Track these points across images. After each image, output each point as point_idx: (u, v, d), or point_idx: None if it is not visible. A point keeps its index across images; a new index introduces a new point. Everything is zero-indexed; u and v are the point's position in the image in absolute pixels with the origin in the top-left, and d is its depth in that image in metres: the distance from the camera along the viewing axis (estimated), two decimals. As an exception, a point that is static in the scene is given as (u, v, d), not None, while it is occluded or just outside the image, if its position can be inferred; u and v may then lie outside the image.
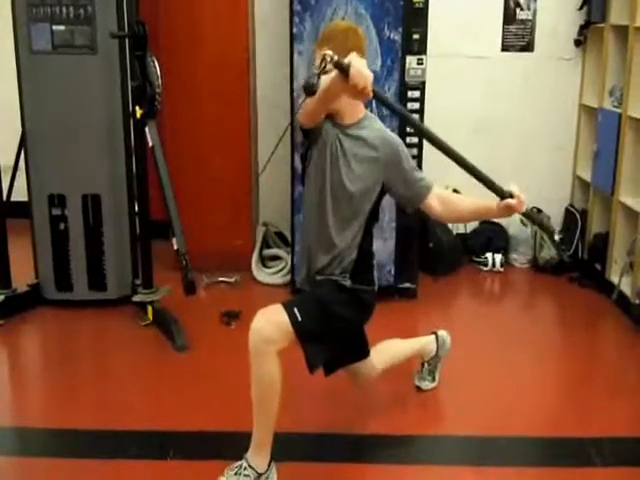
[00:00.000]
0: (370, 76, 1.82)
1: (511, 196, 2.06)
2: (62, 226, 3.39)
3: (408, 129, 3.47)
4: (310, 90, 1.75)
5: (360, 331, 2.38)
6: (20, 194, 3.50)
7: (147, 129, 3.07)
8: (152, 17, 3.48)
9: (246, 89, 3.84)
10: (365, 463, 2.36)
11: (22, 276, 3.50)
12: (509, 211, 2.10)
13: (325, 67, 1.75)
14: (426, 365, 2.75)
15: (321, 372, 2.28)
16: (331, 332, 2.17)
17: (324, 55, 1.77)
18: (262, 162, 4.10)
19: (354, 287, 2.22)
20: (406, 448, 2.46)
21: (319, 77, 1.76)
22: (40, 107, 3.29)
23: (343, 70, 1.78)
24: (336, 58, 1.77)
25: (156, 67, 3.07)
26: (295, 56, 3.42)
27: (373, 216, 2.25)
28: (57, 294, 3.46)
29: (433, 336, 2.74)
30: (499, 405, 2.70)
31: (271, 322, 2.05)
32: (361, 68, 1.81)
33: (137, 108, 3.13)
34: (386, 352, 2.54)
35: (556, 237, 2.02)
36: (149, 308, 3.30)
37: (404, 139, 3.42)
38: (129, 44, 3.22)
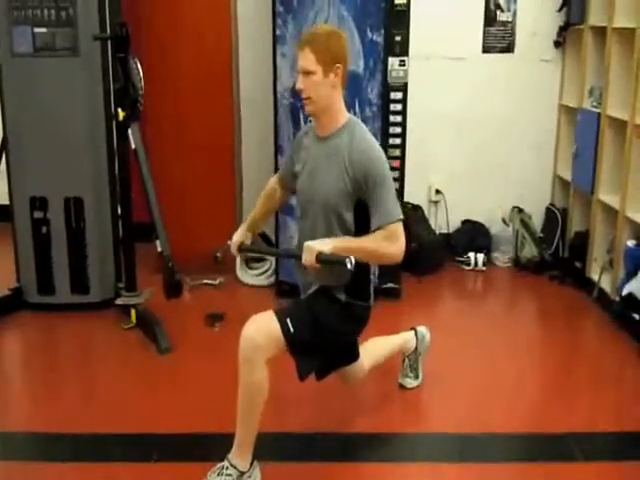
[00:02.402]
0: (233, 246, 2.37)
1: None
2: (44, 229, 3.36)
3: (391, 130, 3.51)
4: (216, 262, 2.52)
5: (353, 340, 2.39)
6: (1, 197, 3.47)
7: (130, 131, 3.06)
8: (134, 19, 3.47)
9: (229, 91, 3.84)
10: (349, 462, 2.37)
11: (3, 280, 3.48)
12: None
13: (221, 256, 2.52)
14: (407, 361, 2.78)
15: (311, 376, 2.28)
16: (323, 343, 2.18)
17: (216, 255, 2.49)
18: (245, 163, 4.10)
19: (349, 301, 2.20)
20: (390, 446, 2.48)
21: (222, 255, 2.50)
22: (21, 110, 3.27)
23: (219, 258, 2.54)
24: (219, 254, 2.50)
25: (138, 69, 3.07)
26: (278, 58, 3.43)
27: (363, 232, 2.16)
28: (39, 298, 3.44)
29: (412, 332, 2.77)
30: (482, 402, 2.72)
31: (263, 330, 2.05)
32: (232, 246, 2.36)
33: (119, 110, 3.12)
34: (371, 350, 2.56)
35: (348, 266, 1.96)
36: (132, 311, 3.28)
37: (386, 140, 3.46)
38: (111, 46, 3.21)
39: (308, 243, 2.04)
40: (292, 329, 2.05)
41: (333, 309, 2.18)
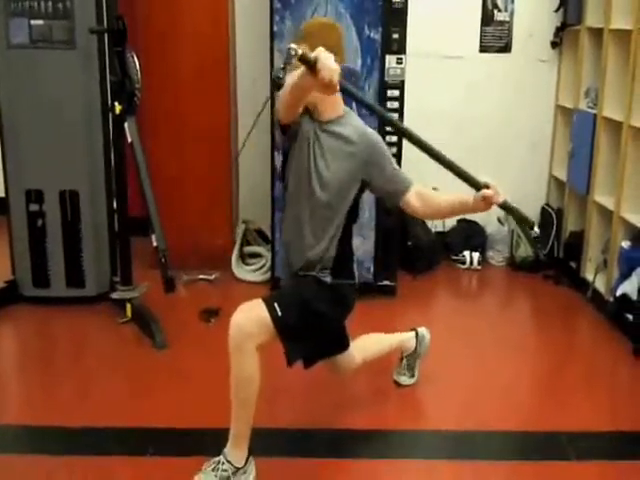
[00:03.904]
0: (337, 69, 1.81)
1: (487, 187, 2.05)
2: (40, 222, 3.35)
3: (388, 128, 3.51)
4: (276, 82, 1.77)
5: (340, 325, 2.40)
6: (-4, 190, 3.46)
7: (126, 125, 3.05)
8: (131, 13, 3.46)
9: (226, 86, 3.84)
10: (344, 458, 2.38)
11: (-2, 273, 3.46)
12: (486, 203, 2.06)
13: (290, 61, 1.76)
14: (404, 360, 2.78)
15: (301, 367, 2.29)
16: (311, 327, 2.18)
17: (288, 49, 1.77)
18: (242, 159, 4.09)
19: (334, 283, 2.23)
20: (384, 443, 2.49)
21: (284, 70, 1.78)
22: (17, 102, 3.25)
23: (309, 64, 1.79)
24: (300, 52, 1.77)
25: (135, 63, 3.06)
26: (275, 54, 3.42)
27: (352, 215, 2.26)
28: (34, 291, 3.42)
29: (413, 333, 2.77)
30: (476, 400, 2.73)
31: (251, 317, 2.06)
32: (327, 62, 1.80)
33: (116, 104, 3.11)
34: (366, 346, 2.56)
35: (535, 229, 1.98)
36: (127, 305, 3.28)
37: (384, 138, 3.44)
38: (108, 39, 3.20)
39: (493, 185, 2.04)
40: (280, 313, 2.06)
41: (320, 292, 2.20)
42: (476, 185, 2.05)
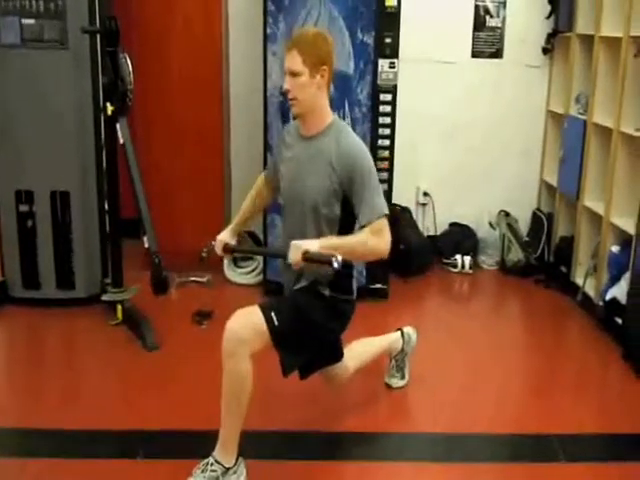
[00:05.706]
0: (220, 251, 2.37)
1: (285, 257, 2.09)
2: (30, 223, 3.33)
3: (380, 132, 3.52)
4: (201, 261, 2.46)
5: (337, 337, 2.39)
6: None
7: (118, 126, 3.04)
8: (125, 14, 3.45)
9: (219, 88, 3.84)
10: (335, 460, 2.38)
11: (-13, 274, 3.44)
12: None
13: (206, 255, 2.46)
14: (393, 361, 2.78)
15: (295, 374, 2.28)
16: (307, 338, 2.18)
17: (204, 252, 2.43)
18: (234, 161, 4.09)
19: (333, 296, 2.22)
20: (375, 445, 2.49)
21: (206, 256, 2.45)
22: (8, 102, 3.24)
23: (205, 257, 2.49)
24: (206, 251, 2.45)
25: (128, 64, 3.05)
26: (269, 56, 3.43)
27: (347, 227, 2.22)
28: (24, 292, 3.40)
29: (399, 332, 2.78)
30: (466, 403, 2.74)
31: (247, 324, 2.05)
32: (217, 242, 2.36)
33: (108, 104, 3.10)
34: (357, 352, 2.56)
35: (334, 265, 1.96)
36: (118, 307, 3.26)
37: (375, 142, 3.48)
38: (100, 40, 3.19)
39: (294, 242, 2.06)
40: (276, 322, 2.06)
41: (318, 304, 2.20)
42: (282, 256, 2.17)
